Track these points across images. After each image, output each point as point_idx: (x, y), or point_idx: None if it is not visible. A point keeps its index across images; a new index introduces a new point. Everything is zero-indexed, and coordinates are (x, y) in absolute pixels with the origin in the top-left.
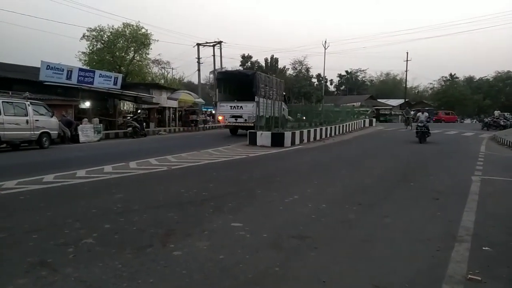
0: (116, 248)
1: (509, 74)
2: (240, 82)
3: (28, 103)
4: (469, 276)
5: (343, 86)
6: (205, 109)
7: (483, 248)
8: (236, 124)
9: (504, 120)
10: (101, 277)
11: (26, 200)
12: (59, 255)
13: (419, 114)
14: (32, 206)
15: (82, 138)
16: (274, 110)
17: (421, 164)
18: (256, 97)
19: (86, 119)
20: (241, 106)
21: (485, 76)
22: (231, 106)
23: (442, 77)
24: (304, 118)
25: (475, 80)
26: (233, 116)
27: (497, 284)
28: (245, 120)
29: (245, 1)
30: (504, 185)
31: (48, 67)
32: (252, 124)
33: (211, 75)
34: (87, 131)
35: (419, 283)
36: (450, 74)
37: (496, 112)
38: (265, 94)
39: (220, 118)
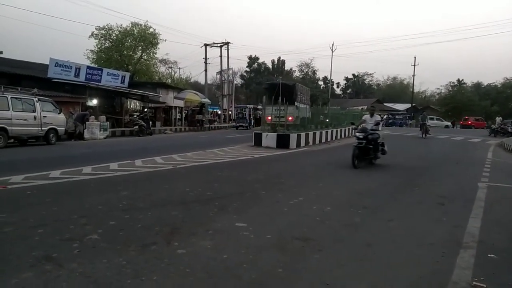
0: (121, 244)
1: None
2: (283, 91)
3: (36, 99)
4: (474, 283)
5: (350, 89)
6: (211, 109)
7: (489, 255)
8: (281, 122)
9: None
10: (105, 273)
11: (33, 195)
12: (64, 250)
13: (366, 117)
14: (38, 201)
15: (87, 135)
16: (306, 113)
17: (426, 169)
18: (295, 102)
19: (93, 116)
20: (283, 109)
21: (493, 82)
22: (275, 109)
23: (450, 82)
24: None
25: (483, 86)
26: (277, 117)
27: None
28: (287, 119)
29: (252, 3)
30: (511, 192)
31: (56, 64)
32: (292, 122)
33: (218, 76)
34: (92, 128)
35: None
36: (458, 80)
37: (498, 119)
38: (300, 100)
39: (269, 118)
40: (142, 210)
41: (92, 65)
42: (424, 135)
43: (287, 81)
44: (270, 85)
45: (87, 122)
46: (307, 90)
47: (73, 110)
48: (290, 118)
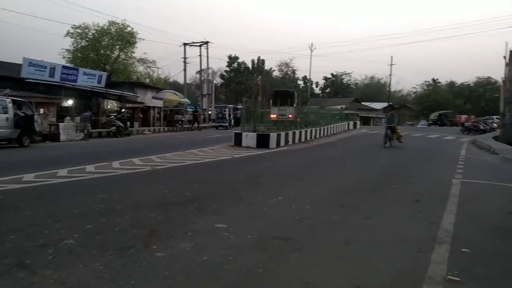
0: (98, 249)
1: (489, 80)
2: (285, 95)
3: (9, 100)
4: (448, 277)
5: (329, 89)
6: (191, 109)
7: (462, 249)
8: (282, 118)
9: (484, 125)
10: (81, 279)
11: (5, 200)
12: (38, 256)
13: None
14: (11, 206)
15: (62, 137)
16: (298, 112)
17: (402, 166)
18: (294, 104)
19: (68, 117)
20: (285, 109)
21: (467, 82)
22: (279, 109)
23: (425, 81)
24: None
25: (457, 85)
26: (280, 114)
27: (475, 285)
28: (287, 116)
29: (232, 3)
30: (483, 188)
31: (30, 64)
32: (291, 119)
33: (197, 75)
34: (68, 130)
35: (400, 284)
36: (433, 79)
37: (463, 117)
38: (296, 102)
39: (274, 116)
40: (120, 213)
41: (68, 64)
42: (387, 144)
43: (289, 88)
44: (276, 92)
45: (60, 124)
46: (298, 95)
47: (47, 111)
48: (290, 116)
